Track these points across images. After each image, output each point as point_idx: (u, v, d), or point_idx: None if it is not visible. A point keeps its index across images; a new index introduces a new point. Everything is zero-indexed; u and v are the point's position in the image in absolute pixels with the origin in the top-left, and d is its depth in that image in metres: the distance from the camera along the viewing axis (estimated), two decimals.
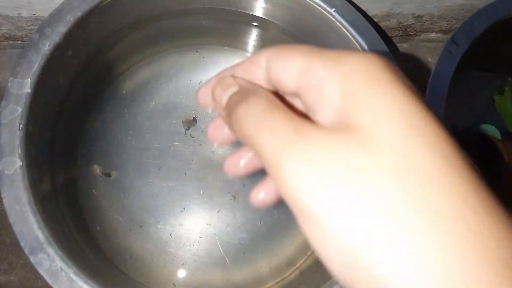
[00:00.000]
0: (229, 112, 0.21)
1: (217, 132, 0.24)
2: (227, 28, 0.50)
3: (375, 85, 0.17)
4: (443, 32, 0.60)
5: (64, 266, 0.33)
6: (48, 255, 0.33)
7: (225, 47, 0.52)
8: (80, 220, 0.43)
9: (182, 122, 0.50)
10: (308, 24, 0.44)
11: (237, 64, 0.24)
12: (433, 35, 0.60)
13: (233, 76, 0.23)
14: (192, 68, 0.51)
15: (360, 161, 0.15)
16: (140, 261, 0.45)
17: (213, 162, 0.49)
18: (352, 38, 0.41)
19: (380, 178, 0.15)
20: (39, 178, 0.37)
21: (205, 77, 0.51)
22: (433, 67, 0.61)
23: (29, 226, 0.33)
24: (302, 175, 0.16)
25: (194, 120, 0.50)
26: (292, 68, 0.20)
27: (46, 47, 0.38)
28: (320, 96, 0.18)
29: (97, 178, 0.46)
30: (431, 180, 0.15)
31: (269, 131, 0.18)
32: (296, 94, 0.20)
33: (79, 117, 0.47)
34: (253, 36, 0.50)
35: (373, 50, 0.41)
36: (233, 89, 0.22)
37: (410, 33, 0.59)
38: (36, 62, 0.37)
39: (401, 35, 0.59)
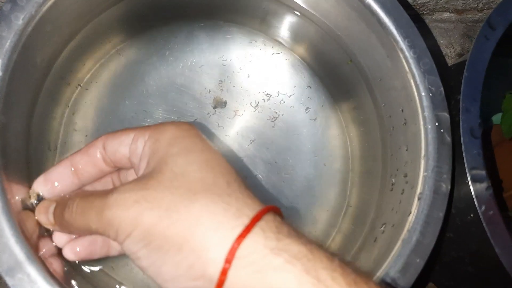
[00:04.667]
0: (60, 223, 0.28)
1: (62, 239, 0.30)
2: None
3: (169, 146, 0.26)
4: (457, 11, 0.55)
5: None
6: (29, 275, 0.27)
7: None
8: None
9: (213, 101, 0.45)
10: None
11: (74, 153, 0.30)
12: (446, 14, 0.55)
13: (46, 200, 0.30)
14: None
15: (151, 184, 0.25)
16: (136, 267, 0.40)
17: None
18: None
19: (158, 188, 0.24)
20: (16, 178, 0.31)
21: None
22: (446, 50, 0.57)
23: (4, 241, 0.28)
24: (118, 205, 0.25)
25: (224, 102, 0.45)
26: (125, 139, 0.28)
27: (20, 20, 0.31)
28: (141, 156, 0.27)
29: None
30: (189, 177, 0.25)
31: (90, 208, 0.26)
32: (130, 163, 0.28)
33: (57, 103, 0.40)
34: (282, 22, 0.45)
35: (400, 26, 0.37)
36: (52, 206, 0.29)
37: (423, 11, 0.54)
38: (7, 39, 0.31)
39: (414, 14, 0.54)
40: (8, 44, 0.31)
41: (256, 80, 0.46)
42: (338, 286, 0.22)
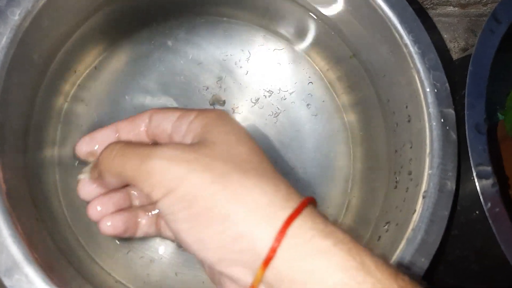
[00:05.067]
0: (98, 167, 0.28)
1: (89, 189, 0.30)
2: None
3: (219, 123, 0.27)
4: (461, 6, 0.54)
5: None
6: (26, 276, 0.27)
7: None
8: (62, 227, 0.37)
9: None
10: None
11: (120, 120, 0.31)
12: (450, 9, 0.55)
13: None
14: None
15: (203, 151, 0.25)
16: (140, 266, 0.39)
17: None
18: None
19: (212, 156, 0.24)
20: (13, 176, 0.31)
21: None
22: (450, 45, 0.56)
23: (1, 241, 0.27)
24: (165, 165, 0.24)
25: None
26: (171, 116, 0.29)
27: (16, 16, 0.31)
28: (186, 131, 0.28)
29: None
30: (234, 154, 0.25)
31: (132, 153, 0.26)
32: (168, 138, 0.29)
33: (56, 100, 0.40)
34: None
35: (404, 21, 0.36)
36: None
37: (427, 6, 0.53)
38: (4, 35, 0.30)
39: (418, 8, 0.54)
40: (4, 41, 0.30)
41: (256, 76, 0.46)
42: (381, 274, 0.22)
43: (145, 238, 0.39)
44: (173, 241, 0.37)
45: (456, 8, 0.55)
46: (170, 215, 0.24)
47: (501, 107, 0.44)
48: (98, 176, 0.28)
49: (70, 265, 0.33)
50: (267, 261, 0.22)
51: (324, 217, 0.24)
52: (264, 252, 0.22)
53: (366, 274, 0.21)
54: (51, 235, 0.33)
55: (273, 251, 0.22)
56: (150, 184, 0.24)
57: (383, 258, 0.23)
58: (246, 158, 0.25)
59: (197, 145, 0.26)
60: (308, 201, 0.24)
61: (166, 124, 0.29)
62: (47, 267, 0.28)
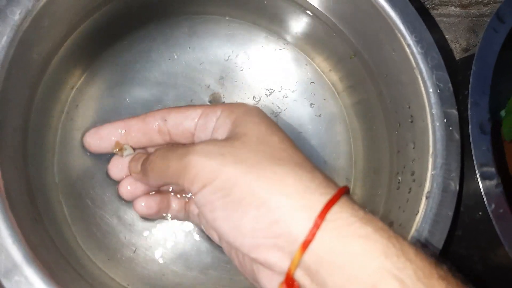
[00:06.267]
0: (145, 171, 0.31)
1: (133, 189, 0.34)
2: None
3: (248, 116, 0.28)
4: (462, 6, 0.54)
5: None
6: (26, 277, 0.27)
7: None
8: (63, 227, 0.36)
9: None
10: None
11: (131, 117, 0.33)
12: (451, 9, 0.54)
13: (140, 152, 0.34)
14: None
15: (235, 144, 0.26)
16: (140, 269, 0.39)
17: None
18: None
19: (244, 148, 0.26)
20: (12, 176, 0.31)
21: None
22: (451, 45, 0.56)
23: (1, 242, 0.27)
24: (203, 159, 0.25)
25: None
26: (192, 114, 0.30)
27: (16, 15, 0.31)
28: (215, 127, 0.29)
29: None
30: (269, 145, 0.26)
31: (171, 153, 0.28)
32: (191, 137, 0.31)
33: (56, 100, 0.39)
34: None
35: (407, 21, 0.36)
36: (143, 157, 0.32)
37: (427, 6, 0.53)
38: (4, 34, 0.30)
39: (419, 8, 0.53)
40: (4, 40, 0.30)
41: (258, 75, 0.45)
42: (421, 261, 0.22)
43: (151, 238, 0.39)
44: (200, 228, 0.38)
45: (458, 9, 0.55)
46: (207, 205, 0.25)
47: (503, 107, 0.44)
48: (143, 175, 0.31)
49: (70, 267, 0.32)
50: (305, 244, 0.22)
51: (362, 206, 0.24)
52: (301, 236, 0.22)
53: (407, 261, 0.21)
54: (50, 236, 0.33)
55: (312, 235, 0.22)
56: (189, 179, 0.25)
57: (421, 248, 0.23)
58: (279, 146, 0.26)
59: (230, 139, 0.27)
60: (345, 189, 0.24)
61: (188, 123, 0.30)
62: (46, 269, 0.27)
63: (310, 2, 0.41)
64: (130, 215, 0.39)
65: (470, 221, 0.35)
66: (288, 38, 0.46)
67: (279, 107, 0.45)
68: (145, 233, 0.39)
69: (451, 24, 0.56)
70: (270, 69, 0.46)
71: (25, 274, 0.27)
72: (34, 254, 0.27)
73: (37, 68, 0.35)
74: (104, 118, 0.41)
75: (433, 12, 0.55)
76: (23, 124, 0.34)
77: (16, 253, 0.27)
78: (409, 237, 0.33)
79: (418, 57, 0.35)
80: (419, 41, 0.35)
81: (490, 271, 0.37)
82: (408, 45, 0.35)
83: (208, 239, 0.39)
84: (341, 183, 0.44)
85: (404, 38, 0.36)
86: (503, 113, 0.51)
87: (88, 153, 0.38)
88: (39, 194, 0.34)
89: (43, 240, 0.31)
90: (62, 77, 0.39)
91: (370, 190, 0.43)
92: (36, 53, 0.34)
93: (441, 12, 0.55)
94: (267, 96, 0.45)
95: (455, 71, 0.37)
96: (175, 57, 0.44)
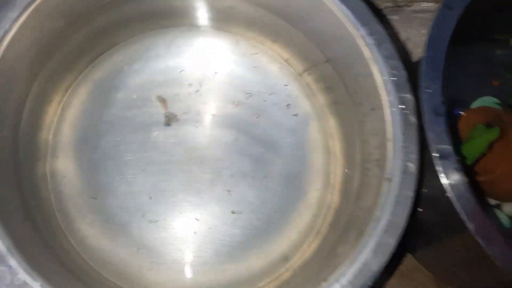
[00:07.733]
0: None
1: None
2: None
3: None
4: (435, 1, 0.56)
5: (29, 280, 0.29)
6: (10, 267, 0.30)
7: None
8: (50, 223, 0.39)
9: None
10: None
11: None
12: (425, 4, 0.56)
13: None
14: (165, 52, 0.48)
15: None
16: (123, 264, 0.41)
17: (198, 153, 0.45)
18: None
19: None
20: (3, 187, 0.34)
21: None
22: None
23: None
24: None
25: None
26: None
27: None
28: None
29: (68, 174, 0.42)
30: None
31: None
32: None
33: (44, 107, 0.43)
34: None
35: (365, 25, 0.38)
36: None
37: (400, 3, 0.55)
38: None
39: (392, 7, 0.55)
40: None
41: (235, 80, 0.48)
42: None
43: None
44: None
45: (431, 4, 0.56)
46: None
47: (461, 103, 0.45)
48: None
49: (56, 258, 0.35)
50: None
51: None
52: None
53: None
54: (36, 227, 0.36)
55: None
56: None
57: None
58: None
59: None
60: None
61: None
62: (30, 259, 0.30)
63: (276, 9, 0.44)
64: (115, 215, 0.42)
65: (431, 198, 0.37)
66: (263, 43, 0.49)
67: (258, 110, 0.48)
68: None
69: (427, 19, 0.58)
70: (247, 74, 0.49)
71: (9, 263, 0.29)
72: (19, 245, 0.30)
73: (24, 83, 0.39)
74: (89, 129, 0.44)
75: (407, 9, 0.56)
76: (12, 138, 0.38)
77: (0, 243, 0.30)
78: (373, 218, 0.35)
79: (372, 48, 0.37)
80: (371, 33, 0.37)
81: (451, 238, 0.38)
82: (363, 37, 0.38)
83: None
84: (320, 177, 0.47)
85: (358, 30, 0.38)
86: (485, 99, 0.52)
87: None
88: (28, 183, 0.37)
89: (28, 232, 0.34)
90: (48, 91, 0.43)
91: (346, 184, 0.45)
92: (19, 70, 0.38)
93: (415, 9, 0.57)
94: (246, 99, 0.48)
95: None
96: (153, 67, 0.47)
